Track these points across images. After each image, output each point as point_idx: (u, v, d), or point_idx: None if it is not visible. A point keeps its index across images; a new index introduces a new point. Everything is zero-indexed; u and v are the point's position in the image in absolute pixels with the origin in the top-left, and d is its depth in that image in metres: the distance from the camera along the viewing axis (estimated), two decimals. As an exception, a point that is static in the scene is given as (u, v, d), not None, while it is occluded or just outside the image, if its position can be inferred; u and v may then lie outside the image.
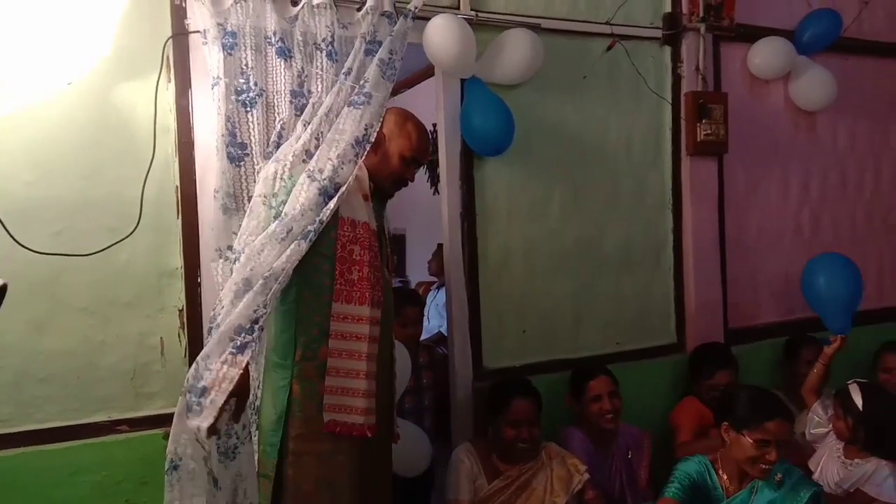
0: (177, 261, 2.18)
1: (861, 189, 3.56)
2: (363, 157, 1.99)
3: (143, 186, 2.11)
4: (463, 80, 2.58)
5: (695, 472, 2.18)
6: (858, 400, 2.42)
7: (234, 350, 1.78)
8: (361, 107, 2.01)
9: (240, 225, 2.03)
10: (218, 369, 1.76)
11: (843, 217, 3.50)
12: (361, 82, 2.06)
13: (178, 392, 1.82)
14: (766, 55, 3.10)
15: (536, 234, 2.78)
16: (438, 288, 4.42)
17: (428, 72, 2.81)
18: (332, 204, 1.90)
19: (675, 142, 3.03)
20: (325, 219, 1.88)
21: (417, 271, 5.43)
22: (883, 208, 3.62)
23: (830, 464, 2.47)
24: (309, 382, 1.88)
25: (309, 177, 1.93)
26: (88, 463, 2.07)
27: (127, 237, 2.09)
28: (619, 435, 2.60)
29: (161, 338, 2.16)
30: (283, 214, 1.91)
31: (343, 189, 1.93)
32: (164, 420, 2.10)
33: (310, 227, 1.87)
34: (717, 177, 3.10)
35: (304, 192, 1.91)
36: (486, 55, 2.55)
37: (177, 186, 2.17)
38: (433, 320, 4.23)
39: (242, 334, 1.79)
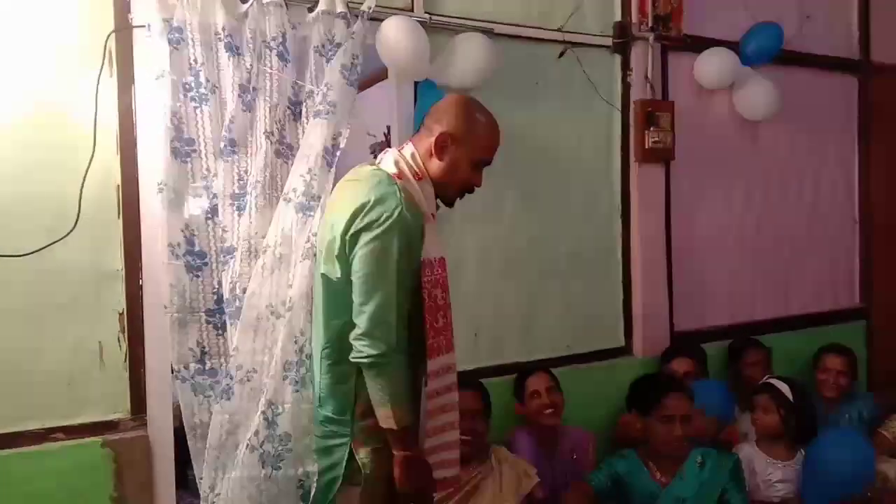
0: (117, 262, 2.10)
1: (801, 197, 3.68)
2: (418, 167, 1.75)
3: (82, 185, 2.03)
4: (416, 83, 2.57)
5: (623, 467, 2.29)
6: (788, 392, 2.52)
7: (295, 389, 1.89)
8: (327, 117, 1.99)
9: (185, 221, 1.99)
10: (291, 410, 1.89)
11: (784, 224, 3.62)
12: (324, 90, 2.04)
13: (118, 398, 1.77)
14: (711, 66, 3.19)
15: (489, 237, 2.79)
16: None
17: (381, 74, 2.79)
18: (318, 215, 1.90)
19: (624, 149, 3.08)
20: (314, 231, 1.89)
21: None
22: (821, 216, 3.75)
23: (765, 469, 2.54)
24: (373, 438, 1.68)
25: (285, 200, 1.93)
26: (22, 473, 1.97)
27: (64, 237, 2.01)
28: (563, 436, 2.64)
29: (100, 342, 2.08)
30: (265, 246, 1.93)
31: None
32: (102, 428, 2.04)
33: (305, 245, 1.91)
34: (665, 183, 3.17)
35: (282, 218, 1.91)
36: (439, 58, 2.55)
37: (118, 185, 2.10)
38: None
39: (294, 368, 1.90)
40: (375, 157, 3.74)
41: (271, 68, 2.09)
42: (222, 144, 2.04)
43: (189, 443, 2.04)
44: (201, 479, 2.02)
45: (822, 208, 3.76)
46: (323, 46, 2.17)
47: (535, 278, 2.89)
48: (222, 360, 2.06)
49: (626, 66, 3.06)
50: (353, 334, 1.63)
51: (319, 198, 1.96)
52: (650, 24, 3.02)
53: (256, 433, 1.94)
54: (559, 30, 2.88)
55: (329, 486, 1.73)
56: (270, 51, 2.10)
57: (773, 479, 2.51)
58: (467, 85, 2.62)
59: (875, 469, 2.51)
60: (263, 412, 1.94)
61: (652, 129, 3.02)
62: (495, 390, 2.54)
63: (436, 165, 1.75)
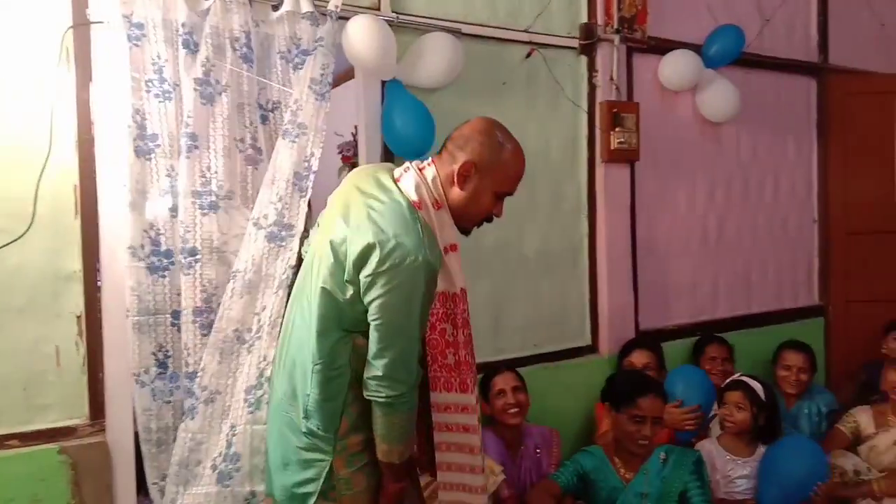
0: (75, 263, 2.05)
1: (761, 197, 3.76)
2: (438, 195, 1.66)
3: (38, 184, 1.97)
4: (384, 83, 2.56)
5: (589, 464, 2.32)
6: (761, 392, 2.57)
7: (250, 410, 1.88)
8: (297, 140, 1.98)
9: (150, 222, 1.96)
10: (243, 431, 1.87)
11: (745, 224, 3.69)
12: (294, 107, 2.02)
13: (76, 403, 1.73)
14: (675, 67, 3.23)
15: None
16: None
17: (348, 73, 2.77)
18: (294, 245, 1.89)
19: (590, 149, 3.11)
20: (291, 263, 1.86)
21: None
22: (781, 216, 3.84)
23: (726, 465, 2.58)
24: (356, 456, 1.66)
25: (255, 224, 1.90)
26: (-26, 481, 1.92)
27: (19, 238, 1.96)
28: (528, 435, 2.65)
29: (56, 346, 2.03)
30: (235, 270, 1.91)
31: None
32: (59, 434, 1.99)
33: (282, 276, 1.89)
34: (630, 184, 3.21)
35: (252, 244, 1.87)
36: (406, 58, 2.54)
37: (76, 184, 2.05)
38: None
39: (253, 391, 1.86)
40: (342, 157, 3.75)
41: (237, 67, 2.06)
42: (182, 140, 2.00)
43: (143, 447, 2.02)
44: (154, 483, 2.01)
45: (782, 208, 3.84)
46: (289, 52, 2.14)
47: (503, 278, 2.90)
48: (183, 364, 2.03)
49: (591, 68, 3.08)
50: (369, 373, 1.59)
51: (292, 227, 1.95)
52: (615, 26, 3.06)
53: (221, 454, 1.95)
54: (526, 30, 2.89)
55: (303, 499, 1.66)
56: (234, 51, 2.07)
57: (734, 475, 2.55)
58: (434, 84, 2.62)
59: (830, 467, 2.58)
60: (226, 434, 1.95)
61: (617, 129, 3.05)
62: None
63: (457, 194, 1.66)
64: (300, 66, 2.13)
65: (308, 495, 1.65)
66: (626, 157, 3.12)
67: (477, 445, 1.76)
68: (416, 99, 2.53)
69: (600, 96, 3.08)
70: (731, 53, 3.35)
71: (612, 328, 3.11)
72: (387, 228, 1.54)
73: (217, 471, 1.93)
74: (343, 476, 1.65)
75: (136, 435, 2.06)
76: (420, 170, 1.69)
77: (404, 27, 2.55)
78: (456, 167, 1.64)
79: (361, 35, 2.31)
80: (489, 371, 2.70)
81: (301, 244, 2.05)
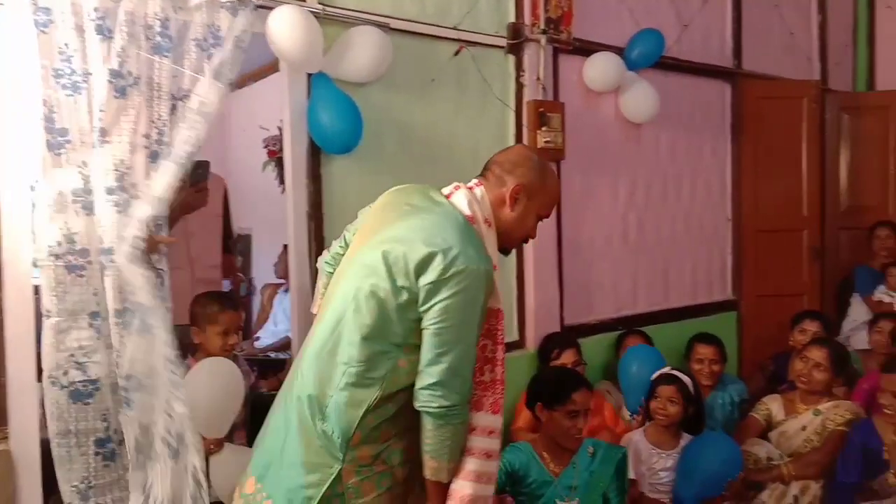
0: (-27, 263, 1.91)
1: (679, 197, 3.91)
2: (488, 214, 1.72)
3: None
4: (310, 76, 2.51)
5: (517, 461, 2.35)
6: (690, 385, 2.67)
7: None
8: (193, 127, 1.93)
9: (65, 221, 1.87)
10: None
11: (664, 222, 3.83)
12: (200, 98, 1.96)
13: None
14: (598, 69, 3.32)
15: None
16: (287, 291, 4.27)
17: (274, 65, 2.70)
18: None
19: (518, 147, 3.15)
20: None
21: (264, 273, 5.22)
22: (697, 214, 4.01)
23: (650, 458, 2.67)
24: (364, 467, 1.62)
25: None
26: None
27: None
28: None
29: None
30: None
31: None
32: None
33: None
34: (556, 182, 3.27)
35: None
36: (333, 51, 2.50)
37: (-27, 181, 1.91)
38: (281, 324, 4.09)
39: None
40: (268, 151, 3.66)
41: (151, 56, 1.96)
42: (94, 135, 1.90)
43: (58, 451, 1.91)
44: (73, 486, 1.92)
45: (698, 207, 4.01)
46: (205, 40, 2.06)
47: (432, 275, 2.90)
48: (106, 363, 1.95)
49: (519, 67, 3.12)
50: (423, 381, 1.57)
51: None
52: (542, 27, 3.10)
53: (169, 430, 1.94)
54: (454, 28, 2.90)
55: (307, 502, 1.62)
56: (149, 39, 1.97)
57: (658, 467, 2.63)
58: (362, 79, 2.59)
59: (745, 455, 2.69)
60: (166, 410, 1.93)
61: (544, 128, 3.10)
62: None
63: (507, 215, 1.74)
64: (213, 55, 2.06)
65: (309, 499, 1.61)
66: (553, 156, 3.17)
67: (494, 476, 1.72)
68: (344, 93, 2.49)
69: (527, 95, 3.12)
70: (651, 57, 3.46)
71: (538, 324, 3.16)
72: (448, 237, 1.57)
73: (171, 447, 1.93)
74: (352, 484, 1.62)
75: (43, 441, 1.95)
76: (469, 189, 1.74)
77: (331, 19, 2.51)
78: (506, 189, 1.73)
79: (285, 26, 2.26)
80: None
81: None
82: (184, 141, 1.97)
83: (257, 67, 4.34)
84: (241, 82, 4.93)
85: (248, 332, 4.15)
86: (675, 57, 3.74)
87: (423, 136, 2.86)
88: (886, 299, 3.92)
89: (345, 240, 1.95)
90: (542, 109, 3.10)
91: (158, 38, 1.98)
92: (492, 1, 3.03)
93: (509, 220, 1.75)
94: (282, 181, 5.02)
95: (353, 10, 2.58)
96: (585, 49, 3.32)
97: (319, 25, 2.36)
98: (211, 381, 2.14)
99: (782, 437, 2.80)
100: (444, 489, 1.64)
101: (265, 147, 3.65)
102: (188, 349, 2.60)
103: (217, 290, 2.93)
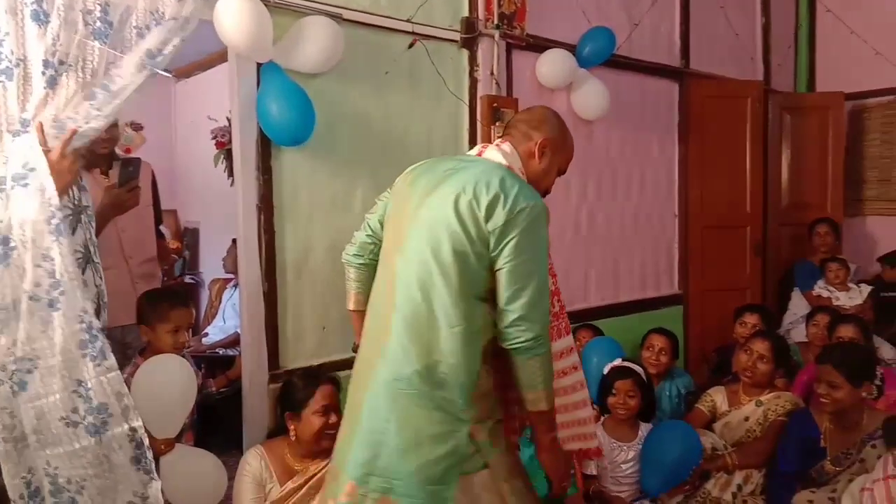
0: None
1: (629, 192, 3.98)
2: (519, 167, 1.83)
3: None
4: (259, 65, 2.45)
5: None
6: (643, 373, 2.72)
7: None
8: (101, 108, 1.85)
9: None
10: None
11: (614, 217, 3.89)
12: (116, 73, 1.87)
13: None
14: (551, 66, 3.34)
15: (339, 228, 2.72)
16: (236, 286, 4.18)
17: (223, 55, 2.63)
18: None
19: (472, 142, 3.14)
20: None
21: (212, 267, 5.10)
22: (646, 210, 4.08)
23: (612, 451, 2.70)
24: (486, 420, 1.71)
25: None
26: None
27: None
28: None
29: None
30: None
31: None
32: None
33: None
34: (510, 177, 3.28)
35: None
36: (284, 40, 2.45)
37: None
38: (229, 320, 4.00)
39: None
40: (217, 142, 3.57)
41: (77, 34, 1.86)
42: (19, 125, 1.80)
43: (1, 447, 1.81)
44: (23, 477, 1.83)
45: (646, 203, 4.09)
46: (147, 28, 1.97)
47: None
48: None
49: (473, 62, 3.12)
50: (507, 319, 1.64)
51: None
52: (496, 22, 3.11)
53: (75, 410, 1.83)
54: (408, 21, 2.87)
55: (443, 476, 1.65)
56: (87, 25, 1.87)
57: (620, 460, 2.67)
58: (314, 70, 2.55)
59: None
60: (75, 390, 1.83)
61: (498, 124, 3.10)
62: (344, 383, 2.49)
63: (535, 166, 1.85)
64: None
65: (449, 469, 1.65)
66: (506, 150, 3.19)
67: (583, 382, 1.93)
68: (294, 83, 2.44)
69: (481, 90, 3.12)
70: (602, 54, 3.50)
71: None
72: (503, 181, 1.67)
73: (84, 426, 1.83)
74: (482, 441, 1.68)
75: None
76: (497, 146, 1.86)
77: (282, 9, 2.46)
78: (533, 143, 1.86)
79: (234, 14, 2.20)
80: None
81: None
82: (89, 118, 1.86)
83: (205, 56, 4.24)
84: (188, 71, 4.82)
85: (196, 328, 4.04)
86: (626, 55, 3.79)
87: (376, 129, 2.83)
88: (825, 294, 4.08)
89: (369, 227, 2.00)
90: (496, 104, 3.11)
91: (98, 24, 1.89)
92: (446, -6, 3.02)
93: (537, 171, 1.86)
94: (231, 173, 4.94)
95: (304, 0, 2.53)
96: (538, 45, 3.34)
97: (269, 14, 2.31)
98: (161, 379, 2.08)
99: (726, 427, 2.87)
100: (547, 415, 1.74)
101: (213, 138, 3.55)
102: (131, 350, 2.52)
103: (156, 283, 2.85)
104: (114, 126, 2.53)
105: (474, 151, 1.90)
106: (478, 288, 1.67)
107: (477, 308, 1.67)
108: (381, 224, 1.96)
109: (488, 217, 1.64)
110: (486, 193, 1.64)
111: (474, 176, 1.70)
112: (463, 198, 1.66)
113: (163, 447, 2.06)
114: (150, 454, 1.88)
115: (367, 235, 2.00)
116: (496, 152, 1.83)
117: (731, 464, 2.69)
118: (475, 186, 1.66)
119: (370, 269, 1.99)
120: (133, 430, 1.88)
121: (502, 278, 1.65)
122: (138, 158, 2.52)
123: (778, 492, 2.59)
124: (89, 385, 1.84)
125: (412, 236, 1.72)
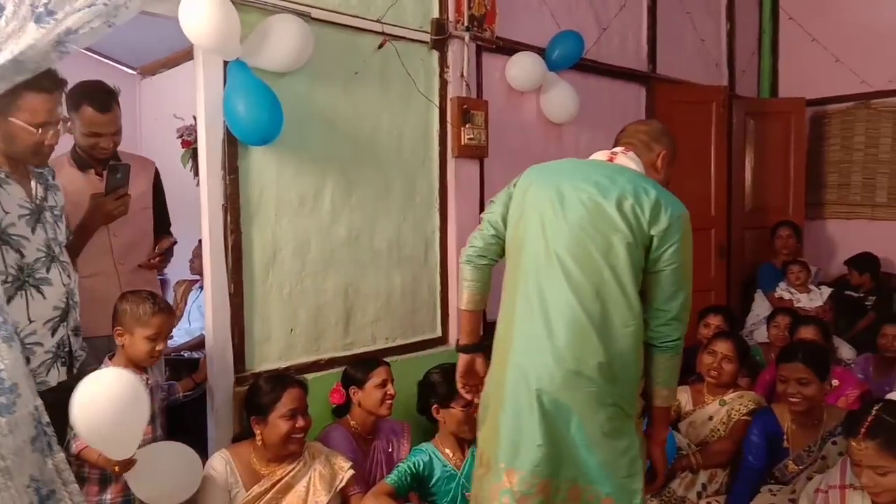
0: None
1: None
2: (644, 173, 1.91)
3: None
4: (226, 64, 2.41)
5: (421, 461, 2.39)
6: None
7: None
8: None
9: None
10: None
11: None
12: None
13: None
14: (521, 68, 3.36)
15: (307, 228, 2.70)
16: (201, 288, 4.11)
17: (189, 52, 2.59)
18: None
19: (441, 143, 3.15)
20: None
21: (178, 268, 5.01)
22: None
23: None
24: (639, 415, 1.86)
25: None
26: None
27: None
28: (380, 429, 2.64)
29: None
30: None
31: None
32: None
33: None
34: (479, 179, 3.29)
35: None
36: (251, 38, 2.41)
37: None
38: (195, 322, 3.93)
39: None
40: (183, 141, 3.50)
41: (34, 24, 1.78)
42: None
43: None
44: None
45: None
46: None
47: (355, 270, 2.86)
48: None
49: (443, 63, 3.12)
50: (662, 318, 1.77)
51: None
52: (466, 24, 3.11)
53: None
54: (378, 21, 2.86)
55: (630, 465, 1.76)
56: (33, 10, 1.79)
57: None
58: (282, 68, 2.52)
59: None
60: None
61: (468, 125, 3.11)
62: (312, 386, 2.47)
63: (656, 178, 1.91)
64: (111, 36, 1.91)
65: (633, 460, 1.76)
66: (476, 153, 3.20)
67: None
68: (262, 82, 2.41)
69: (451, 92, 3.12)
70: (571, 58, 3.53)
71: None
72: (657, 188, 1.78)
73: None
74: (642, 436, 1.85)
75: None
76: (625, 154, 1.92)
77: (249, 6, 2.43)
78: (654, 155, 1.95)
79: (200, 11, 2.17)
80: (366, 361, 2.64)
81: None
82: None
83: (171, 54, 4.16)
84: (153, 69, 4.73)
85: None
86: (594, 59, 3.83)
87: (345, 130, 2.81)
88: (787, 296, 4.17)
89: (492, 227, 1.99)
90: (465, 106, 3.11)
91: (42, 9, 1.80)
92: (416, -5, 3.02)
93: (659, 181, 1.90)
94: (197, 173, 4.85)
95: (273, -2, 2.51)
96: (508, 48, 3.36)
97: (236, 11, 2.28)
98: (114, 403, 1.84)
99: (691, 427, 2.91)
100: (668, 412, 1.91)
101: (179, 137, 3.47)
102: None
103: (153, 290, 2.71)
104: (116, 132, 2.43)
105: (601, 156, 1.94)
106: (638, 287, 1.76)
107: (639, 306, 1.76)
108: (504, 223, 1.95)
109: (653, 221, 1.73)
110: (647, 198, 1.73)
111: (631, 181, 1.78)
112: (626, 201, 1.73)
113: (116, 468, 1.91)
114: (51, 432, 1.84)
115: (492, 235, 1.99)
116: (632, 161, 1.90)
117: (696, 463, 2.72)
118: (635, 190, 1.75)
119: (491, 269, 2.04)
120: (36, 407, 1.85)
121: (662, 279, 1.76)
122: (127, 164, 2.36)
123: (741, 491, 2.62)
124: (1, 366, 1.78)
125: (567, 235, 1.77)
